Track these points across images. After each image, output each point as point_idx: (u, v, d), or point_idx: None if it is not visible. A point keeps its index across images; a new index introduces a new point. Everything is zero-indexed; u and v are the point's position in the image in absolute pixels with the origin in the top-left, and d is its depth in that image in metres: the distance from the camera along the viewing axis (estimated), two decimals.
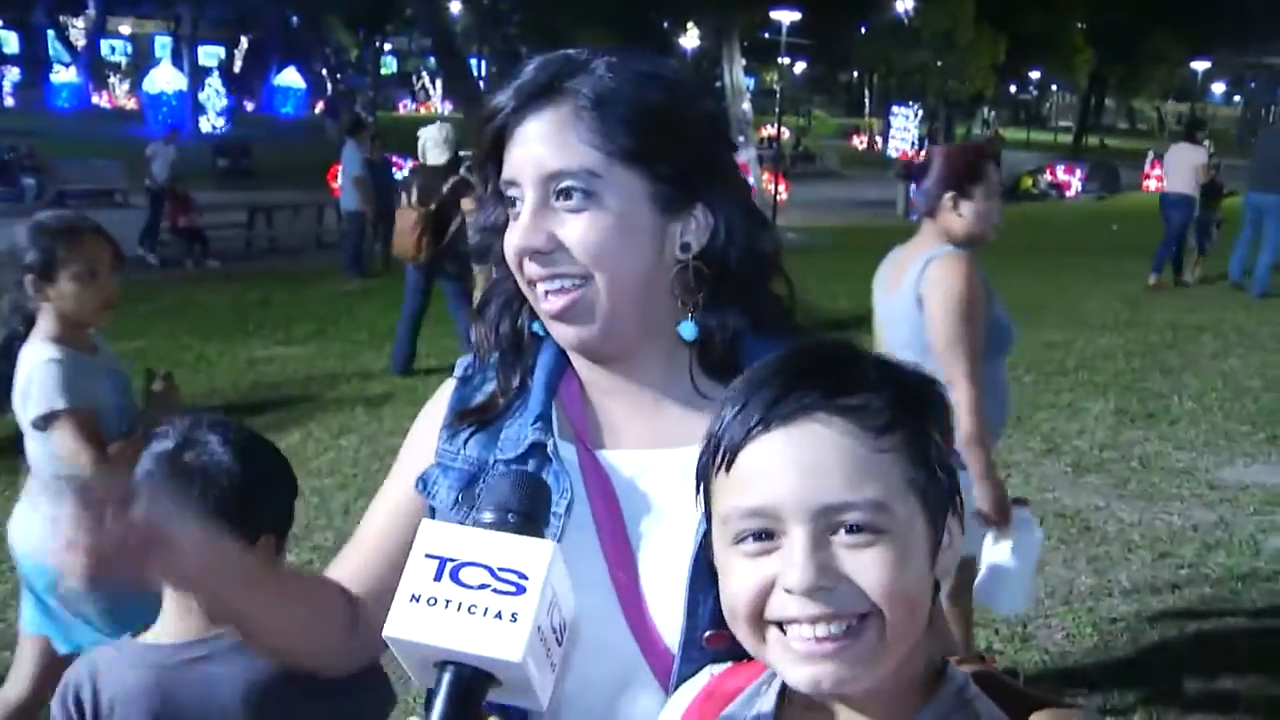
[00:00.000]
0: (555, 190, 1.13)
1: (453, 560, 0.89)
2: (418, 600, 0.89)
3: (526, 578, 0.88)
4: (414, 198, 7.83)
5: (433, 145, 7.92)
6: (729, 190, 1.20)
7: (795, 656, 0.90)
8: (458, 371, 1.33)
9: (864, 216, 24.84)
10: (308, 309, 11.16)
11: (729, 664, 1.08)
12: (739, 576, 0.93)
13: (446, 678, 0.88)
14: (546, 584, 0.89)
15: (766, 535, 0.92)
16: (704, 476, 1.00)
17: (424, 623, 0.88)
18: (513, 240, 1.15)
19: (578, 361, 1.24)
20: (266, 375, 8.45)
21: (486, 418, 1.25)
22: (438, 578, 0.89)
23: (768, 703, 1.02)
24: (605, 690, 1.17)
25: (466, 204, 7.44)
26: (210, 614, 1.60)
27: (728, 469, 0.95)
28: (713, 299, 1.18)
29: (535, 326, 1.24)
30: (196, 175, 18.97)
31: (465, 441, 1.25)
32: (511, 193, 1.16)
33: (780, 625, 0.91)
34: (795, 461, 0.91)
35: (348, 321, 10.53)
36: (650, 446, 1.20)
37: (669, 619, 1.13)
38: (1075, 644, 4.19)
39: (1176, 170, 12.76)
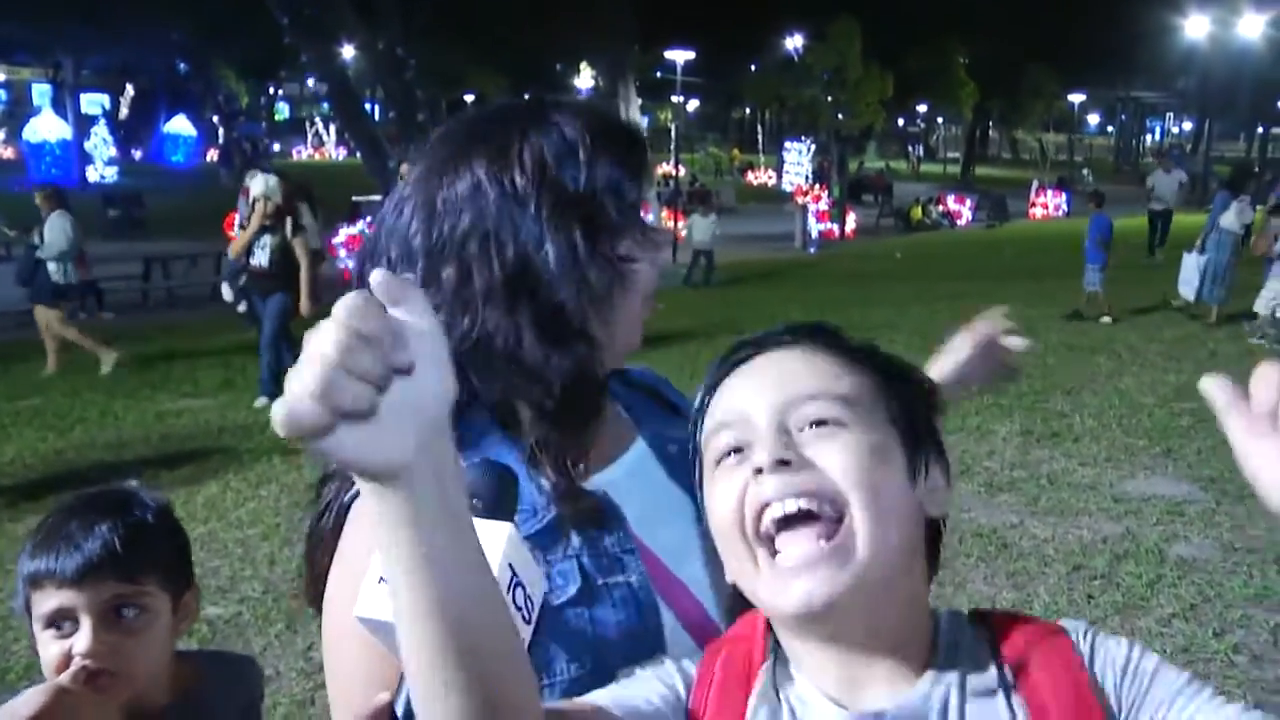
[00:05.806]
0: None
1: None
2: (385, 582, 0.92)
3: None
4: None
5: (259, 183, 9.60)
6: None
7: (784, 574, 0.91)
8: None
9: (762, 250, 25.27)
10: (212, 360, 10.94)
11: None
12: (720, 491, 0.96)
13: None
14: (504, 562, 0.93)
15: (741, 449, 0.95)
16: (695, 441, 1.03)
17: (389, 603, 0.91)
18: None
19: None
20: (177, 428, 8.27)
21: None
22: None
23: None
24: None
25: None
26: None
27: (710, 404, 1.00)
28: None
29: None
30: (86, 226, 18.41)
31: None
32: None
33: (770, 549, 0.92)
34: (767, 374, 0.97)
35: (254, 371, 10.27)
36: (605, 464, 1.26)
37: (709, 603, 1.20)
38: None
39: None
